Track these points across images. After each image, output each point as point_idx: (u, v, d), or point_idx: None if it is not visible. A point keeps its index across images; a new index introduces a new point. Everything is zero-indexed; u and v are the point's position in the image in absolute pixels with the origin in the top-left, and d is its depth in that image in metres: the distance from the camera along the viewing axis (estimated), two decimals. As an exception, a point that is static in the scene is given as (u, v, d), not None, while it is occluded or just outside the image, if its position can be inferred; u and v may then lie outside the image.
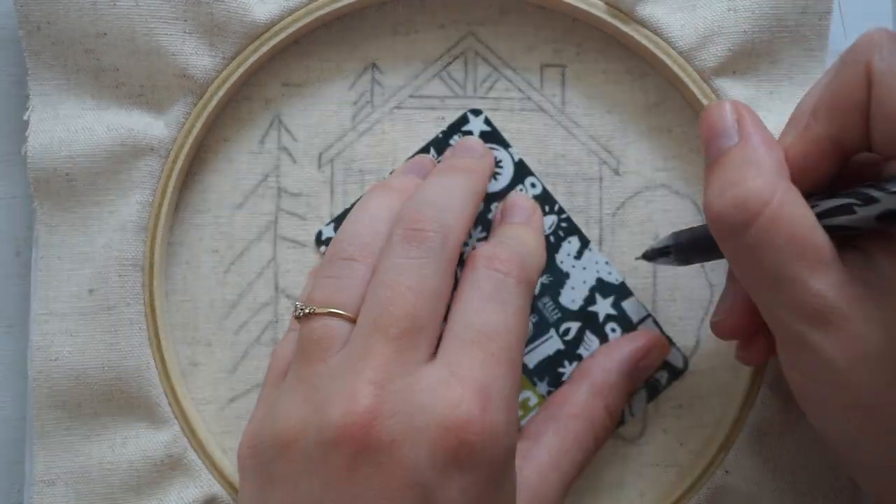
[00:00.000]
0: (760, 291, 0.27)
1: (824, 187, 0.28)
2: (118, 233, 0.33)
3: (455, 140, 0.35)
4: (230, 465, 0.33)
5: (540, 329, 0.34)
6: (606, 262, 0.34)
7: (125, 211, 0.34)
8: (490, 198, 0.34)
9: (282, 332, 0.34)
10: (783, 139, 0.28)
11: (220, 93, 0.34)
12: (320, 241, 0.35)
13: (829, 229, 0.26)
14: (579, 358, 0.34)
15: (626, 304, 0.34)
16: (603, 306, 0.34)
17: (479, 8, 0.35)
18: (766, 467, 0.33)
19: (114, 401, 0.33)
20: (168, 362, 0.33)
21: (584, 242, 0.34)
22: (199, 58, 0.34)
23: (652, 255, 0.33)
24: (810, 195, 0.27)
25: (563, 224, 0.35)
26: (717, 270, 0.35)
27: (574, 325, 0.34)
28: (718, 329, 0.31)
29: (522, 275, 0.29)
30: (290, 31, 0.34)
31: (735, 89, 0.34)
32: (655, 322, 0.34)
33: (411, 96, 0.35)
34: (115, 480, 0.33)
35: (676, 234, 0.32)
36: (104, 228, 0.34)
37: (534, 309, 0.34)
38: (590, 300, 0.34)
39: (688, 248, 0.31)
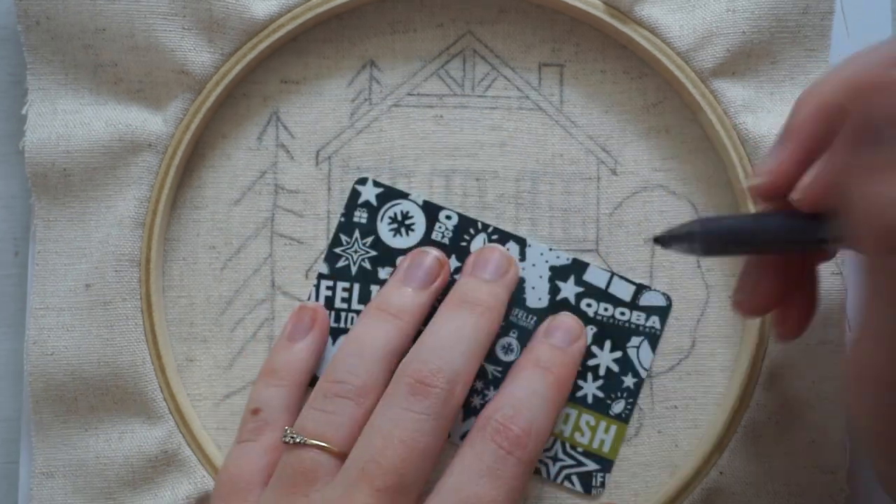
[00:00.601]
0: None
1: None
2: (115, 228, 0.33)
3: (360, 217, 0.34)
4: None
5: (524, 338, 0.34)
6: (550, 248, 0.34)
7: (122, 206, 0.34)
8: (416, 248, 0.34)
9: (278, 329, 0.34)
10: (779, 152, 0.27)
11: (219, 89, 0.34)
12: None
13: None
14: None
15: (588, 276, 0.34)
16: (569, 288, 0.34)
17: (477, 7, 0.35)
18: (761, 469, 0.33)
19: (110, 396, 0.33)
20: (164, 358, 0.33)
21: (521, 242, 0.34)
22: (197, 54, 0.34)
23: (667, 241, 0.29)
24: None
25: (494, 237, 0.34)
26: (713, 271, 0.35)
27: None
28: (743, 307, 0.30)
29: (527, 455, 0.30)
30: (288, 28, 0.34)
31: (734, 90, 0.34)
32: (621, 277, 0.34)
33: (409, 94, 0.35)
34: (111, 474, 0.33)
35: (703, 222, 0.29)
36: (101, 224, 0.34)
37: (511, 324, 0.34)
38: (554, 290, 0.34)
39: (721, 238, 0.28)
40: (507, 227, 0.35)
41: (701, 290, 0.35)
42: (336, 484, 0.28)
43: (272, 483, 0.30)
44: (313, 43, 0.35)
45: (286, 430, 0.30)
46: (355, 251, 0.34)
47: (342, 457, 0.29)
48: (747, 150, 0.33)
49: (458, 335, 0.30)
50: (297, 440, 0.29)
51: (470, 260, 0.33)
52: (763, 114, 0.34)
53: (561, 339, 0.33)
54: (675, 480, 0.33)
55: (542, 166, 0.35)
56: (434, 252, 0.33)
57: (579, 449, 0.34)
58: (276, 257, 0.35)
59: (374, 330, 0.31)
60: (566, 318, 0.34)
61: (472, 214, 0.35)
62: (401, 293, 0.32)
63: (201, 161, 0.35)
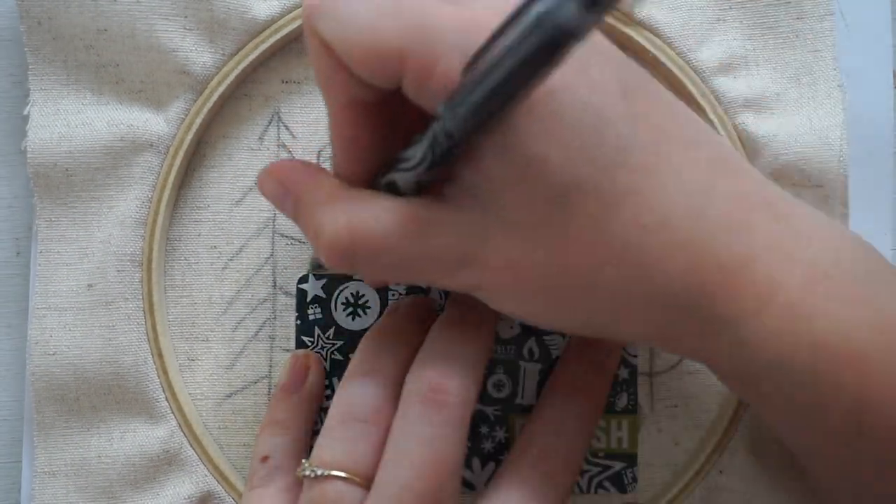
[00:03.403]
0: (435, 284, 0.27)
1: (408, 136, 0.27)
2: (117, 228, 0.34)
3: (315, 314, 0.34)
4: (226, 461, 0.34)
5: (511, 370, 0.34)
6: None
7: (124, 206, 0.34)
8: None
9: (279, 329, 0.34)
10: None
11: (220, 89, 0.34)
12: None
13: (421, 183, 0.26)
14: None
15: None
16: None
17: (478, 7, 0.35)
18: (761, 468, 0.33)
19: (112, 395, 0.33)
20: (165, 358, 0.33)
21: None
22: (199, 54, 0.34)
23: (316, 265, 0.34)
24: (400, 158, 0.26)
25: None
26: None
27: (531, 343, 0.34)
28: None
29: (569, 480, 0.29)
30: (290, 28, 0.34)
31: (736, 92, 0.34)
32: None
33: (410, 94, 0.35)
34: (113, 474, 0.33)
35: None
36: (103, 224, 0.34)
37: (495, 361, 0.34)
38: None
39: None
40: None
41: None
42: None
43: None
44: (314, 43, 0.35)
45: (304, 463, 0.28)
46: (321, 348, 0.34)
47: (367, 485, 0.27)
48: (748, 150, 0.34)
49: (460, 341, 0.29)
50: (318, 473, 0.28)
51: (453, 294, 0.33)
52: (765, 114, 0.34)
53: (594, 353, 0.32)
54: (676, 479, 0.33)
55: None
56: (421, 297, 0.34)
57: (601, 454, 0.34)
58: (277, 257, 0.35)
59: (382, 349, 0.30)
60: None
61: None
62: (400, 319, 0.32)
63: (203, 161, 0.35)
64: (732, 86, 0.34)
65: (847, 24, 0.35)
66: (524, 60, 0.20)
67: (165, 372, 0.33)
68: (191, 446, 0.33)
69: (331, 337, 0.34)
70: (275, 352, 0.35)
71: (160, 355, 0.33)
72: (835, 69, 0.34)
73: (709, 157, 0.26)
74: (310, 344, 0.34)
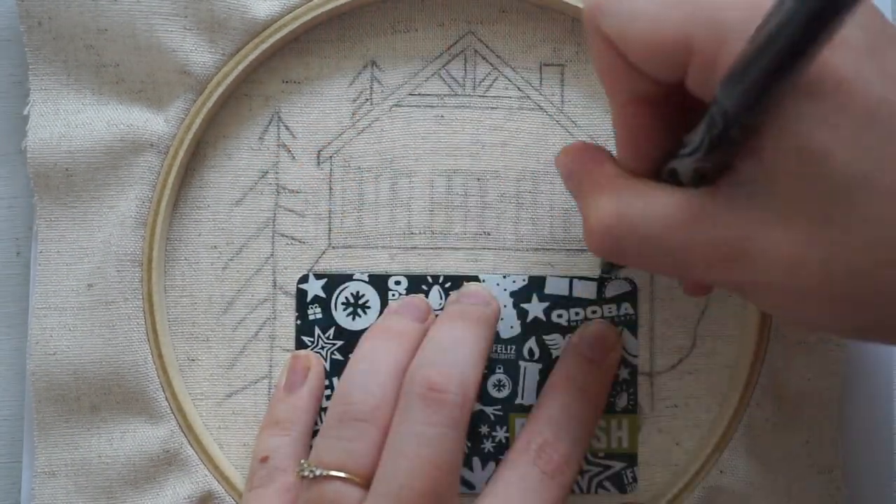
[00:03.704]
0: (693, 277, 0.27)
1: (685, 133, 0.27)
2: (117, 228, 0.34)
3: (315, 314, 0.34)
4: (226, 461, 0.34)
5: (511, 370, 0.34)
6: (504, 276, 0.34)
7: (124, 206, 0.34)
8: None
9: (279, 329, 0.34)
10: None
11: (220, 89, 0.34)
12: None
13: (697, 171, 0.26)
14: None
15: (549, 288, 0.34)
16: (535, 307, 0.34)
17: (478, 6, 0.35)
18: (761, 467, 0.33)
19: (112, 395, 0.33)
20: (166, 358, 0.33)
21: (475, 279, 0.34)
22: (199, 54, 0.34)
23: (609, 270, 0.34)
24: (683, 145, 0.26)
25: (447, 284, 0.34)
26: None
27: (531, 342, 0.34)
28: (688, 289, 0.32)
29: (567, 480, 0.29)
30: (290, 28, 0.34)
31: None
32: (581, 278, 0.34)
33: (410, 94, 0.35)
34: (113, 474, 0.33)
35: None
36: (103, 224, 0.34)
37: (495, 361, 0.34)
38: (522, 314, 0.34)
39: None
40: (508, 227, 0.35)
41: (701, 290, 0.35)
42: None
43: None
44: (314, 43, 0.35)
45: (302, 463, 0.28)
46: (321, 347, 0.34)
47: (366, 484, 0.27)
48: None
49: (460, 341, 0.29)
50: (317, 473, 0.28)
51: (453, 295, 0.33)
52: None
53: (594, 351, 0.32)
54: (676, 479, 0.33)
55: (544, 166, 0.35)
56: (420, 296, 0.34)
57: (601, 454, 0.34)
58: (277, 257, 0.35)
59: (380, 348, 0.30)
60: (598, 328, 0.33)
61: (472, 214, 0.35)
62: (399, 318, 0.32)
63: (203, 161, 0.35)
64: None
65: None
66: (799, 28, 0.20)
67: (165, 372, 0.33)
68: (191, 446, 0.33)
69: (331, 337, 0.34)
70: (275, 352, 0.35)
71: (160, 355, 0.33)
72: None
73: None
74: (310, 344, 0.34)
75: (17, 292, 0.35)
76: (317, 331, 0.34)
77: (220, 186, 0.35)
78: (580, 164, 0.28)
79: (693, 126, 0.25)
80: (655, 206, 0.25)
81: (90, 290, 0.33)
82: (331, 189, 0.35)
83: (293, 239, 0.35)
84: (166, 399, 0.33)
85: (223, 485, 0.33)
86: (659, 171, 0.27)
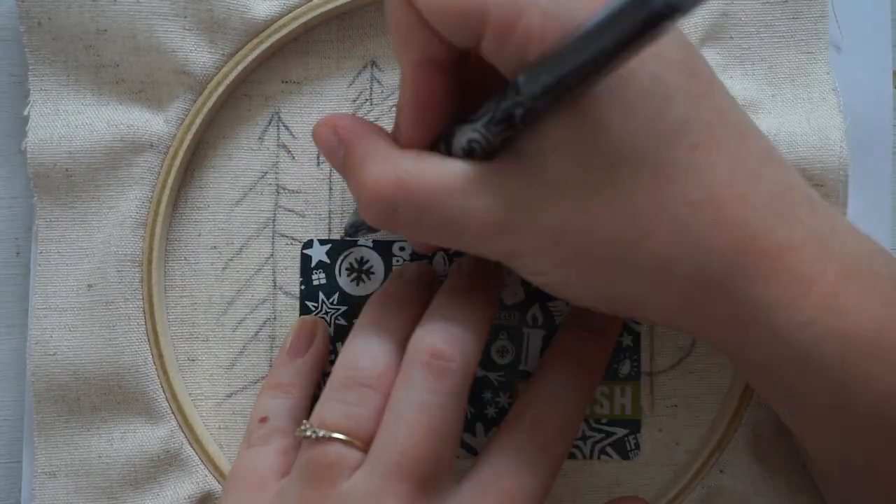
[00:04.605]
0: (455, 245, 0.27)
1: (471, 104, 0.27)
2: (117, 228, 0.34)
3: (319, 279, 0.34)
4: (226, 461, 0.34)
5: (516, 337, 0.34)
6: None
7: (124, 207, 0.34)
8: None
9: (280, 329, 0.34)
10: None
11: (220, 89, 0.34)
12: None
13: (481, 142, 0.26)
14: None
15: None
16: None
17: (478, 7, 0.35)
18: (761, 467, 0.33)
19: (112, 396, 0.33)
20: (166, 358, 0.33)
21: None
22: (199, 54, 0.34)
23: (352, 231, 0.33)
24: (469, 120, 0.26)
25: (451, 251, 0.34)
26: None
27: (535, 309, 0.34)
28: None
29: (562, 450, 0.29)
30: (289, 28, 0.34)
31: (733, 91, 0.34)
32: None
33: (410, 94, 0.35)
34: (113, 474, 0.33)
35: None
36: (103, 224, 0.34)
37: (499, 328, 0.34)
38: (525, 280, 0.34)
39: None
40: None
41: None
42: (367, 478, 0.27)
43: (293, 477, 0.28)
44: (314, 43, 0.35)
45: (304, 423, 0.28)
46: (325, 313, 0.34)
47: (366, 448, 0.28)
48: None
49: (462, 309, 0.29)
50: (319, 434, 0.28)
51: (457, 263, 0.33)
52: (763, 114, 0.34)
53: (595, 319, 0.31)
54: (677, 478, 0.33)
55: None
56: (425, 262, 0.34)
57: (604, 420, 0.34)
58: (277, 257, 0.35)
59: (385, 315, 0.30)
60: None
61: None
62: (404, 285, 0.32)
63: (203, 161, 0.35)
64: (731, 87, 0.34)
65: (846, 24, 0.36)
66: (625, 34, 0.21)
67: (165, 372, 0.33)
68: (191, 446, 0.33)
69: (335, 302, 0.34)
70: (275, 352, 0.35)
71: (160, 355, 0.33)
72: (828, 73, 0.34)
73: (757, 146, 0.26)
74: (313, 309, 0.34)
75: (17, 292, 0.35)
76: (321, 296, 0.34)
77: (220, 187, 0.35)
78: (348, 134, 0.28)
79: (478, 100, 0.26)
80: (435, 173, 0.26)
81: (90, 291, 0.33)
82: (331, 189, 0.35)
83: (293, 239, 0.35)
84: (166, 399, 0.33)
85: (223, 485, 0.33)
86: (435, 143, 0.27)
